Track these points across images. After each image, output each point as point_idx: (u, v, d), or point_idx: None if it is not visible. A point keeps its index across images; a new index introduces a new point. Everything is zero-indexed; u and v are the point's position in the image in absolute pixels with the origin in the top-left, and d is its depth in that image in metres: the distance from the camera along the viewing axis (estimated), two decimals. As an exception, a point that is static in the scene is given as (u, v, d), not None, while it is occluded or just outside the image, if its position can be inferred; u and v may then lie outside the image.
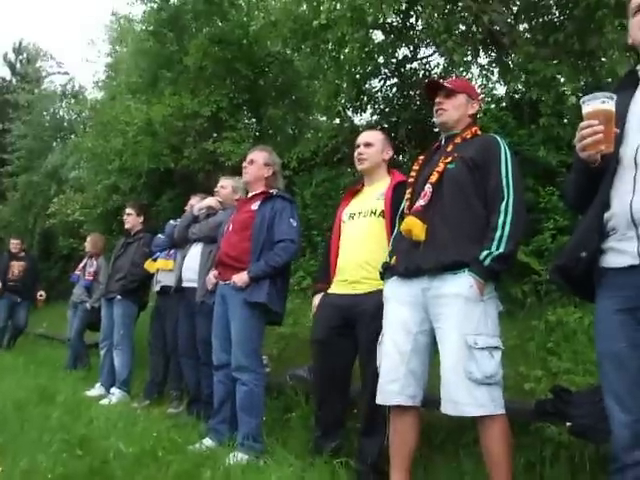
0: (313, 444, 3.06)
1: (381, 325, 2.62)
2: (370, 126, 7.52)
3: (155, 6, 9.67)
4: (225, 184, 4.31)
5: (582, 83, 5.63)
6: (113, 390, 5.17)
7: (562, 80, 5.32)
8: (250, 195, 3.60)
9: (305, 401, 3.75)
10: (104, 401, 4.93)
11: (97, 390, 5.38)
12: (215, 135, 9.05)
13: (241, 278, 3.27)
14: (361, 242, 2.94)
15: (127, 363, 5.24)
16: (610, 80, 4.83)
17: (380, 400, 2.44)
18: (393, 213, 2.82)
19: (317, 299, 3.12)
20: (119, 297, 5.25)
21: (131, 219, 5.57)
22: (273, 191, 3.50)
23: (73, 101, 16.05)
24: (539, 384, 3.29)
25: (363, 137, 3.14)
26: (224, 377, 3.41)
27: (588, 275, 1.78)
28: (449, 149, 2.47)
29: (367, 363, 2.81)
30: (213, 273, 3.60)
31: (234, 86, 9.30)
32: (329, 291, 3.04)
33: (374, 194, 3.02)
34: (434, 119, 2.63)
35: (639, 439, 1.63)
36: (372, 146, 3.08)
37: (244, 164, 3.61)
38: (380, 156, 3.09)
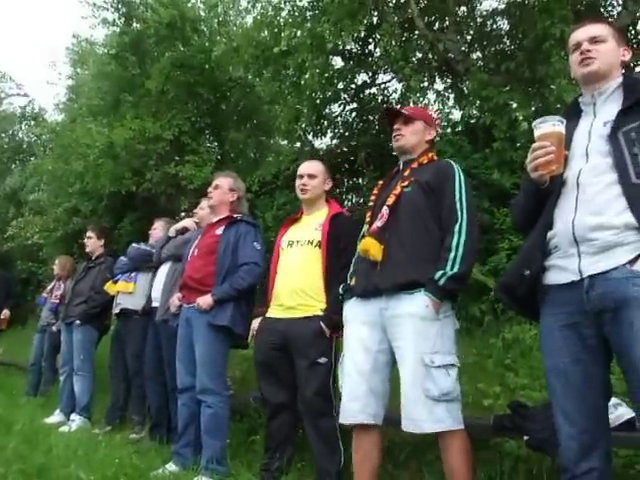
0: (262, 463, 3.09)
1: (316, 350, 2.79)
2: (326, 152, 7.64)
3: (117, 30, 9.69)
4: (203, 205, 4.33)
5: (533, 109, 5.86)
6: (73, 416, 5.06)
7: (514, 106, 5.53)
8: (215, 220, 3.63)
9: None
10: (64, 428, 4.81)
11: (57, 417, 5.25)
12: (177, 158, 9.03)
13: (205, 301, 3.29)
14: (297, 270, 3.02)
15: (88, 388, 5.14)
16: (558, 106, 5.05)
17: (342, 419, 2.48)
18: (329, 244, 2.95)
19: (256, 323, 3.19)
20: (78, 322, 5.16)
21: (91, 242, 5.50)
22: (237, 216, 3.55)
23: (33, 123, 15.82)
24: (497, 400, 3.37)
25: (306, 168, 3.24)
26: (188, 400, 3.40)
27: (532, 294, 1.87)
28: (406, 173, 2.55)
29: (309, 387, 2.89)
30: (177, 296, 3.60)
31: (196, 110, 9.34)
32: (267, 315, 3.11)
33: (312, 224, 3.12)
34: (392, 144, 2.73)
35: (585, 450, 1.71)
36: (315, 178, 3.18)
37: (209, 189, 3.65)
38: (322, 187, 3.20)
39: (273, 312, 3.09)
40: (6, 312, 7.84)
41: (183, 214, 4.30)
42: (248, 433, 3.87)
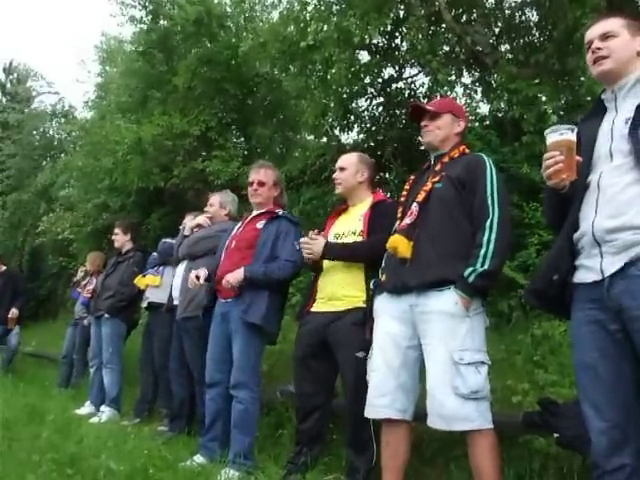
0: (290, 457, 3.10)
1: (358, 340, 2.73)
2: (353, 147, 7.62)
3: (145, 27, 9.80)
4: (213, 201, 4.35)
5: (562, 102, 5.77)
6: (103, 408, 5.16)
7: (543, 99, 5.46)
8: (255, 213, 3.58)
9: (296, 417, 3.77)
10: (94, 419, 4.91)
11: (87, 408, 5.36)
12: (204, 154, 9.11)
13: (235, 276, 3.24)
14: (340, 262, 2.99)
15: (116, 381, 5.23)
16: (589, 99, 4.96)
17: (369, 414, 2.47)
18: (370, 232, 2.90)
19: None
20: (107, 315, 5.25)
21: (119, 238, 5.60)
22: (279, 211, 3.51)
23: (63, 120, 16.12)
24: (526, 397, 3.32)
25: (338, 162, 3.23)
26: (216, 395, 3.42)
27: (562, 294, 1.86)
28: (437, 168, 2.52)
29: (347, 378, 2.88)
30: (196, 273, 3.53)
31: (223, 106, 9.38)
32: (311, 309, 3.10)
33: (356, 215, 3.11)
34: (421, 140, 2.69)
35: (616, 445, 1.69)
36: (345, 170, 3.16)
37: (254, 186, 3.55)
38: (355, 178, 3.15)
39: (317, 306, 3.07)
40: (14, 311, 7.81)
41: (206, 209, 4.30)
42: (275, 427, 3.89)
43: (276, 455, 3.45)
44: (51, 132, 16.83)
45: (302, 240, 3.08)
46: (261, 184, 3.55)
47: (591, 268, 1.77)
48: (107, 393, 5.22)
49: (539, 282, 1.95)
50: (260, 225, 3.45)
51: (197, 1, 9.01)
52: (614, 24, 1.91)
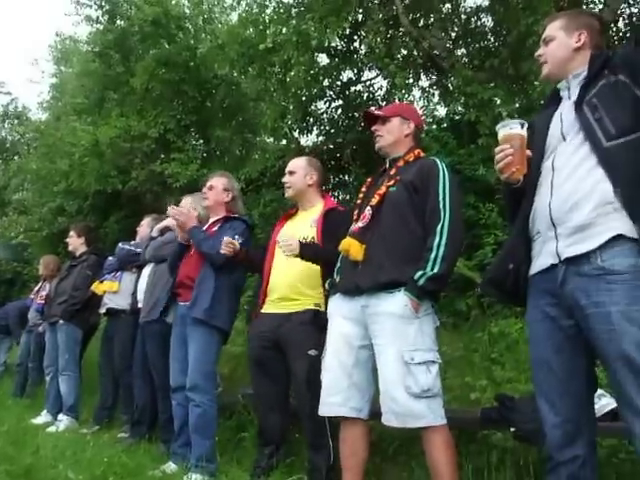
0: (255, 461, 3.10)
1: (309, 340, 2.79)
2: (312, 149, 7.66)
3: (101, 27, 9.63)
4: (183, 203, 4.31)
5: (517, 105, 5.92)
6: (60, 417, 5.04)
7: (498, 102, 5.59)
8: (212, 221, 3.62)
9: (257, 419, 3.77)
10: (51, 428, 4.79)
11: (43, 418, 5.22)
12: (163, 156, 9.01)
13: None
14: (290, 264, 3.00)
15: (73, 388, 5.11)
16: (542, 102, 5.09)
17: (322, 412, 2.49)
18: (324, 240, 2.94)
19: None
20: (61, 321, 5.12)
21: (72, 241, 5.47)
22: (234, 215, 3.56)
23: (16, 122, 15.68)
24: (484, 393, 3.40)
25: (288, 166, 3.26)
26: (183, 399, 3.38)
27: (518, 285, 1.90)
28: (392, 172, 2.55)
29: (299, 377, 2.90)
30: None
31: (181, 108, 9.30)
32: (262, 311, 3.11)
33: (307, 220, 3.12)
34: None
35: (569, 438, 1.74)
36: (294, 174, 3.19)
37: (204, 190, 3.65)
38: (304, 181, 3.18)
39: (267, 307, 3.09)
40: None
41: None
42: (237, 430, 3.88)
43: (239, 458, 3.44)
44: (3, 133, 16.39)
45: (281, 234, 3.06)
46: (210, 188, 3.61)
47: (547, 252, 1.79)
48: (64, 401, 5.09)
49: (495, 271, 1.99)
50: (216, 228, 3.49)
51: (155, 2, 8.91)
52: (552, 28, 1.98)
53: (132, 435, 4.24)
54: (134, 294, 4.48)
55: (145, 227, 4.83)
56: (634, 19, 7.28)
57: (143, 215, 5.10)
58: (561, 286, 1.73)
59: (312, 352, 2.84)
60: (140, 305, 4.25)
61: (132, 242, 4.93)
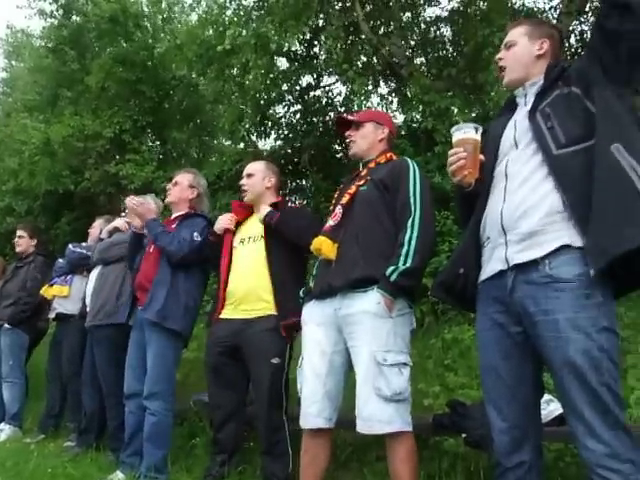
0: (206, 469, 3.04)
1: (272, 347, 2.77)
2: (270, 153, 7.66)
3: (55, 22, 9.41)
4: (146, 197, 4.21)
5: (473, 114, 6.02)
6: (2, 426, 4.84)
7: (455, 111, 5.67)
8: (173, 217, 3.53)
9: (209, 426, 3.70)
10: (-7, 438, 4.61)
11: (-15, 426, 5.02)
12: (117, 157, 8.86)
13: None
14: (250, 267, 2.99)
15: (17, 396, 4.91)
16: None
17: (303, 424, 2.43)
18: (268, 236, 2.95)
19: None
20: (7, 326, 4.93)
21: (23, 242, 5.25)
22: (195, 212, 3.49)
23: (-38, 117, 15.12)
24: (437, 399, 3.43)
25: (246, 169, 3.24)
26: (135, 407, 3.29)
27: (467, 288, 1.91)
28: (363, 173, 2.56)
29: (261, 385, 2.86)
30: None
31: (138, 108, 9.18)
32: (220, 316, 3.06)
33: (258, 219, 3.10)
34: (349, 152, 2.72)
35: (516, 443, 1.76)
36: (253, 176, 3.17)
37: (168, 186, 3.60)
38: (262, 184, 3.16)
39: (226, 312, 3.03)
40: None
41: (123, 214, 4.12)
42: (189, 437, 3.81)
43: (189, 466, 3.37)
44: (-52, 129, 15.77)
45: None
46: (175, 184, 3.56)
47: (496, 258, 1.80)
48: (7, 409, 4.89)
49: (446, 275, 2.00)
50: (174, 225, 3.41)
51: (112, -2, 8.76)
52: (515, 33, 2.01)
53: (79, 444, 4.10)
54: (84, 298, 4.35)
55: (97, 229, 4.69)
56: (585, 36, 7.55)
57: (96, 217, 4.96)
58: (510, 294, 1.74)
59: (275, 360, 2.80)
60: (88, 309, 4.13)
61: (83, 244, 4.79)
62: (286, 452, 2.82)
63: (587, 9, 7.48)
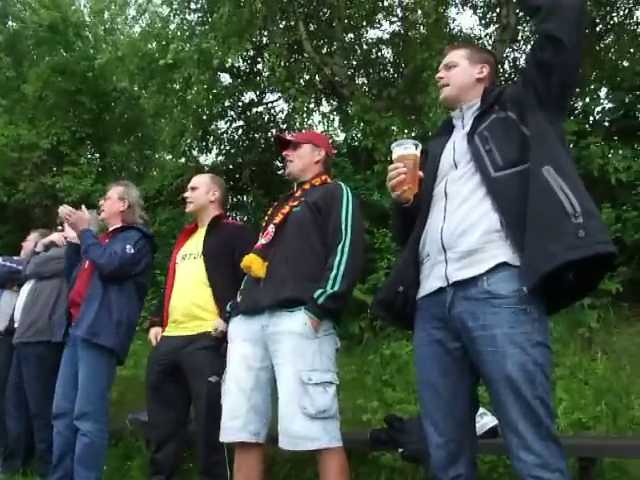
0: None
1: (210, 365, 2.73)
2: (211, 169, 7.62)
3: (-10, 27, 9.13)
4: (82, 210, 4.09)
5: (413, 134, 6.18)
6: None
7: (395, 130, 5.80)
8: (109, 230, 3.45)
9: (146, 447, 3.61)
10: None
11: None
12: (55, 169, 8.63)
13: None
14: (190, 284, 2.96)
15: None
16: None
17: (223, 437, 2.43)
18: (207, 253, 2.95)
19: (153, 332, 3.08)
20: None
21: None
22: (130, 224, 3.39)
23: None
24: (375, 414, 3.48)
25: (191, 182, 3.23)
26: (63, 428, 3.16)
27: (406, 307, 1.95)
28: (297, 194, 2.59)
29: (199, 403, 2.83)
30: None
31: (77, 119, 8.98)
32: (163, 333, 3.03)
33: (201, 235, 3.09)
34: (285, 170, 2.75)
35: (452, 458, 1.80)
36: (197, 189, 3.16)
37: (101, 202, 3.51)
38: (206, 197, 3.15)
39: (168, 330, 2.99)
40: None
41: (60, 227, 3.98)
42: (124, 458, 3.71)
43: (124, 488, 3.29)
44: None
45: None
46: (106, 199, 3.49)
47: (435, 276, 1.84)
48: None
49: (385, 293, 2.03)
50: (108, 239, 3.34)
51: (52, 6, 8.56)
52: (455, 55, 2.08)
53: (4, 470, 3.90)
54: (13, 314, 4.17)
55: (31, 242, 4.52)
56: (517, 63, 7.91)
57: (30, 230, 4.80)
58: (449, 310, 1.78)
59: (212, 379, 2.78)
60: (16, 325, 3.97)
61: (15, 257, 4.61)
62: (224, 473, 2.78)
63: (519, 38, 7.87)
